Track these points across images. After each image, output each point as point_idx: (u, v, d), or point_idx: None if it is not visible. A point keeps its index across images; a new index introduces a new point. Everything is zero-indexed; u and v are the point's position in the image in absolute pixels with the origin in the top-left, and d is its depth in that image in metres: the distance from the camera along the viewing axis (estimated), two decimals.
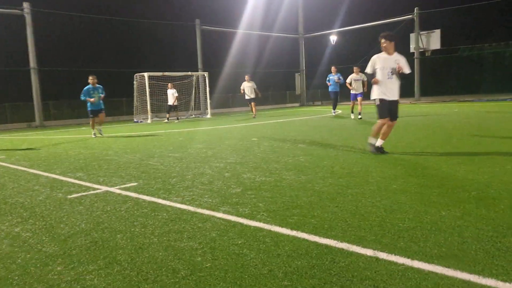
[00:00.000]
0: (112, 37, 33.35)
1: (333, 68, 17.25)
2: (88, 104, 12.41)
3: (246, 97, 19.46)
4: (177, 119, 21.25)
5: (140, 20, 30.61)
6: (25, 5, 22.32)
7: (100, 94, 12.50)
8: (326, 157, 6.72)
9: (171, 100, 20.77)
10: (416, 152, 6.83)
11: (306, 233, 3.19)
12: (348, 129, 11.71)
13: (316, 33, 36.88)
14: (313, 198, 4.21)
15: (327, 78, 17.18)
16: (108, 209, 4.19)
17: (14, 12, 22.59)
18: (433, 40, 29.69)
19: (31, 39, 22.56)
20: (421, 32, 30.04)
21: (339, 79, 16.80)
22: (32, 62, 22.73)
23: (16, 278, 2.66)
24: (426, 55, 30.47)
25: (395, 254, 2.72)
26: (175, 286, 2.45)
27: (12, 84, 25.51)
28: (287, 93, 38.38)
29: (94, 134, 12.77)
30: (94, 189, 5.17)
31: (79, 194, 4.90)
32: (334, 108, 17.94)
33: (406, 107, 23.35)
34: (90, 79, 12.43)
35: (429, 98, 31.22)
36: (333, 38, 37.11)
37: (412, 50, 30.67)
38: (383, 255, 2.71)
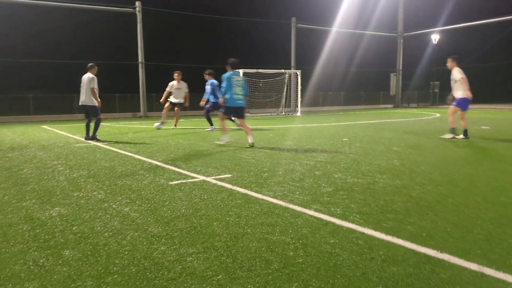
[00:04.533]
0: (211, 35, 35.06)
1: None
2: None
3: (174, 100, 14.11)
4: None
5: (238, 18, 31.75)
6: (137, 3, 24.33)
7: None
8: (423, 163, 6.35)
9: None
10: None
11: (402, 239, 3.07)
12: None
13: (416, 32, 34.88)
14: (410, 204, 4.02)
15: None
16: (205, 197, 4.43)
17: (127, 10, 24.78)
18: None
19: (140, 36, 24.55)
20: None
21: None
22: (140, 57, 24.73)
23: (126, 253, 2.95)
24: None
25: (504, 272, 2.50)
26: (268, 277, 2.52)
27: (121, 77, 28.02)
28: (380, 93, 36.92)
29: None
30: (192, 177, 5.50)
31: (179, 181, 5.25)
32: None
33: None
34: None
35: None
36: (435, 37, 34.81)
37: None
38: (489, 271, 2.51)
